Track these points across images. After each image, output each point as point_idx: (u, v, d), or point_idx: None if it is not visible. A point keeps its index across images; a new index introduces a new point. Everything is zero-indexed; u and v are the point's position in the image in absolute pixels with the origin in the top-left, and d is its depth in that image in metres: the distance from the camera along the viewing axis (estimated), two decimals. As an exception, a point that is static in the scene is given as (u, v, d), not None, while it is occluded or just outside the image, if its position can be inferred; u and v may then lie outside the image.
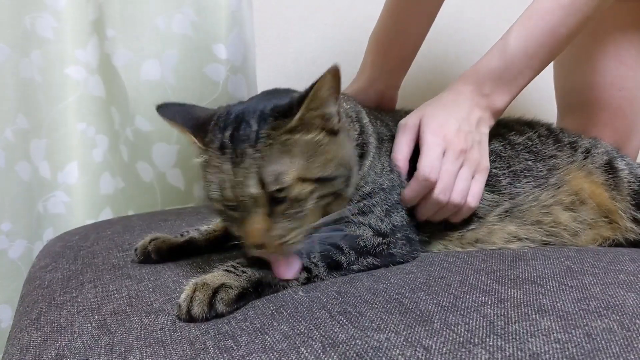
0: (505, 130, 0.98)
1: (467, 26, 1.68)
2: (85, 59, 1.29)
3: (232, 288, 0.64)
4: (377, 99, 1.19)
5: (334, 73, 0.65)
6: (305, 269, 0.71)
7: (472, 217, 0.88)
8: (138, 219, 1.08)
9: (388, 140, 0.89)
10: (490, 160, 0.90)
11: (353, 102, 0.89)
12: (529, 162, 0.94)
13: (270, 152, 0.66)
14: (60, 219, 1.29)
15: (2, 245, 1.28)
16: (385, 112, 1.01)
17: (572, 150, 0.97)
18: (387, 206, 0.80)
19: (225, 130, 0.69)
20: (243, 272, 0.67)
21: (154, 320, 0.63)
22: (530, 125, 1.02)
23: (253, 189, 0.65)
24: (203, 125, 0.72)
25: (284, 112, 0.67)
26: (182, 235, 0.86)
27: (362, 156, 0.82)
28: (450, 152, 0.84)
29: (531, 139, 0.98)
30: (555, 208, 0.90)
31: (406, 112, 1.00)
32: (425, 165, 0.83)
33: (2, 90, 1.25)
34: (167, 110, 0.76)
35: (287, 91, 0.76)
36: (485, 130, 0.89)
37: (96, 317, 0.66)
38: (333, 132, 0.71)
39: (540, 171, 0.93)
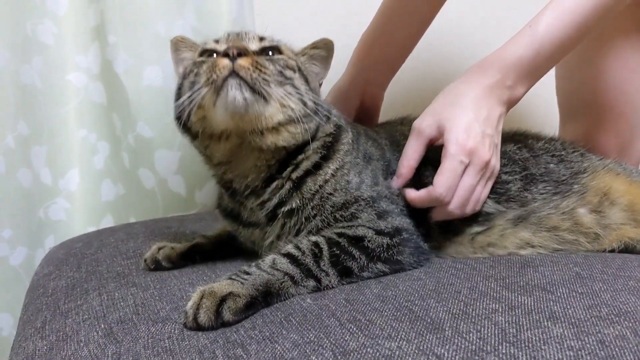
0: (522, 137, 0.96)
1: (468, 32, 1.67)
2: (87, 65, 1.29)
3: (240, 297, 0.63)
4: (359, 97, 1.17)
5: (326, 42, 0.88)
6: (313, 277, 0.70)
7: (482, 221, 0.85)
8: (141, 226, 1.07)
9: (377, 160, 0.85)
10: (501, 164, 0.87)
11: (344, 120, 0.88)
12: (550, 165, 0.90)
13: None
14: (61, 226, 1.28)
15: (2, 252, 1.28)
16: (382, 128, 0.98)
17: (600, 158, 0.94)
18: (375, 212, 0.77)
19: None
20: (247, 274, 0.67)
21: (162, 328, 0.62)
22: (552, 138, 0.99)
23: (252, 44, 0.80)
24: None
25: None
26: (188, 242, 0.86)
27: (325, 157, 0.80)
28: (472, 167, 0.80)
29: (553, 144, 0.94)
30: (579, 211, 0.85)
31: (401, 122, 0.99)
32: (442, 184, 0.79)
33: (2, 96, 1.25)
34: None
35: None
36: (501, 128, 0.86)
37: (102, 325, 0.66)
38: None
39: (563, 175, 0.88)
